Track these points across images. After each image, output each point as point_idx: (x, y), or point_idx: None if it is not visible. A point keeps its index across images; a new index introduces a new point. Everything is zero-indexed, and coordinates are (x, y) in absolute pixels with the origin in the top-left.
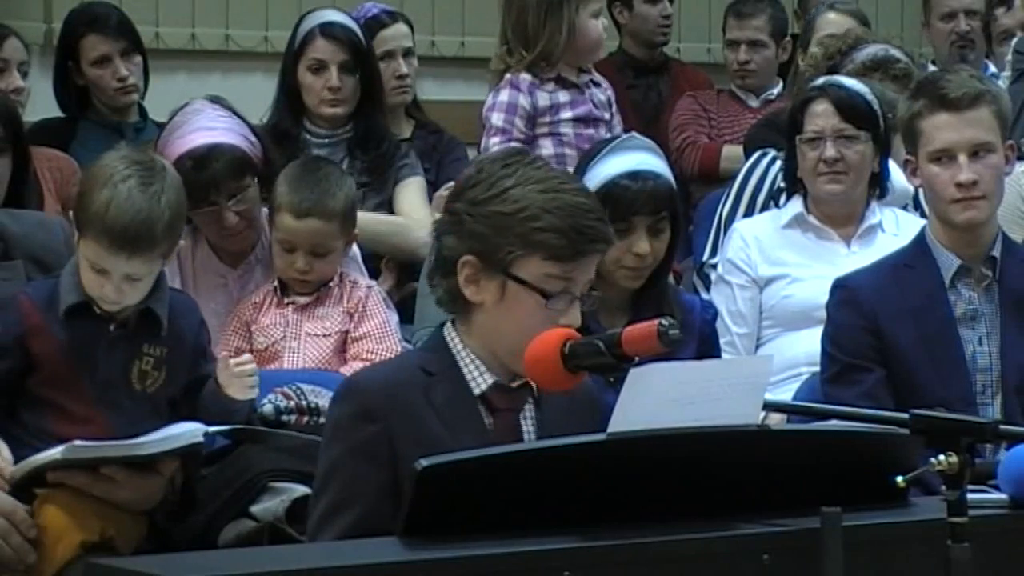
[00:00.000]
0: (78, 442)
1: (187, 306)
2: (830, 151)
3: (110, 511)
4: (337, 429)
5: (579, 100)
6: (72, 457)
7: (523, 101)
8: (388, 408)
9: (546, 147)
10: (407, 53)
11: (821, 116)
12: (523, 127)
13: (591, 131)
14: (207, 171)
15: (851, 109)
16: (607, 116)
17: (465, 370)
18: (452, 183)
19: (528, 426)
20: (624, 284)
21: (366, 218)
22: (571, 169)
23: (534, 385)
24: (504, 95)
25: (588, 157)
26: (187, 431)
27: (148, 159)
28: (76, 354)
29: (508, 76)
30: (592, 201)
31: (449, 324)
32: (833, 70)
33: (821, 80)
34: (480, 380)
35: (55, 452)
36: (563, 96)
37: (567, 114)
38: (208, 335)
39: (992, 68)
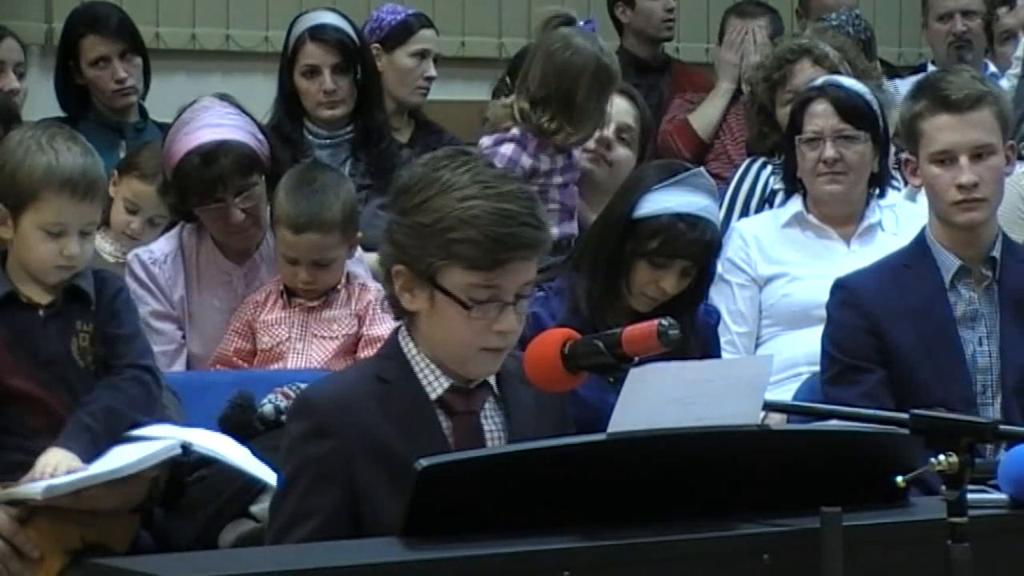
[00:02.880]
0: (56, 481)
1: (108, 279)
2: (829, 151)
3: (87, 516)
4: (292, 445)
5: (569, 165)
6: (53, 495)
7: (525, 161)
8: (341, 423)
9: None
10: (435, 58)
11: (820, 116)
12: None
13: (573, 188)
14: (214, 167)
15: (851, 109)
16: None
17: (420, 375)
18: None
19: (491, 426)
20: (636, 307)
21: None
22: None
23: (494, 384)
24: (507, 149)
25: (650, 179)
26: (163, 447)
27: (54, 124)
28: (16, 343)
29: (515, 131)
30: (518, 204)
31: (403, 328)
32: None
33: (820, 80)
34: (436, 384)
35: (36, 491)
36: (560, 161)
37: (558, 179)
38: (128, 300)
39: (992, 68)
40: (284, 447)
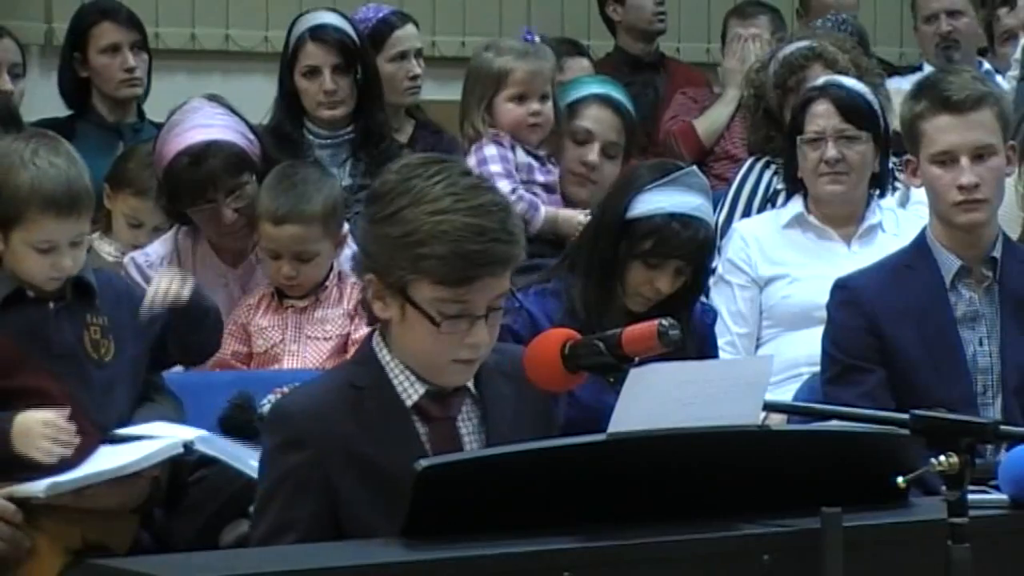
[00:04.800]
0: (59, 479)
1: (110, 278)
2: (831, 151)
3: (87, 515)
4: (268, 457)
5: (545, 170)
6: (55, 493)
7: (509, 155)
8: (315, 433)
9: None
10: (418, 53)
11: (822, 116)
12: (516, 174)
13: (556, 196)
14: (204, 168)
15: (852, 110)
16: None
17: (395, 381)
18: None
19: (468, 428)
20: (631, 307)
21: None
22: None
23: (472, 388)
24: (492, 149)
25: (643, 179)
26: (166, 446)
27: (37, 132)
28: (26, 339)
29: (485, 135)
30: (490, 219)
31: (377, 334)
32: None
33: (822, 80)
34: (411, 390)
35: (38, 490)
36: (533, 161)
37: (540, 178)
38: (137, 296)
39: (987, 66)
40: (262, 458)
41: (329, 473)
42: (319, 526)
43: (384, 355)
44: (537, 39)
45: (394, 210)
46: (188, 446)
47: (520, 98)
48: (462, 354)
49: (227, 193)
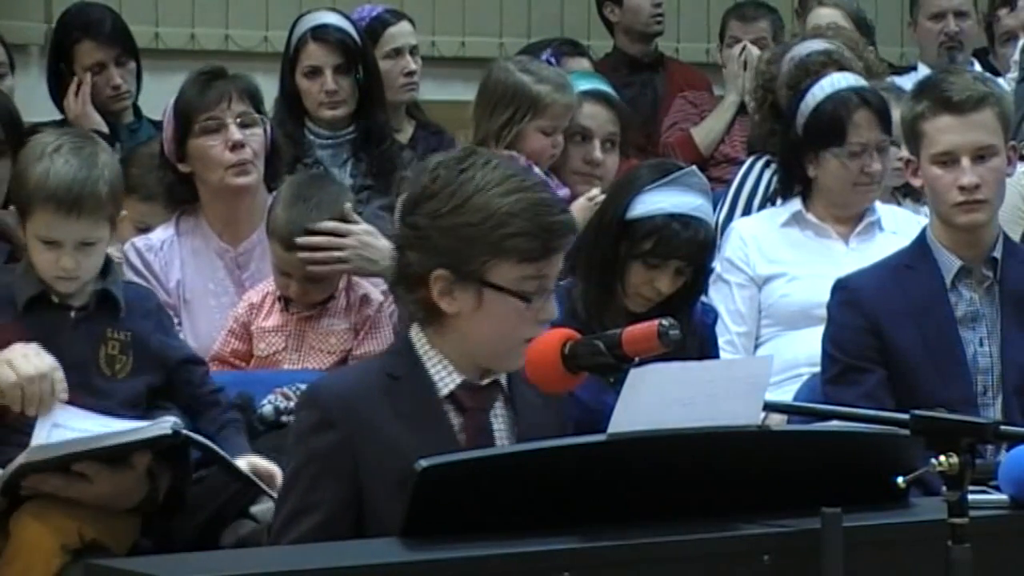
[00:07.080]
0: (43, 442)
1: (142, 294)
2: (876, 165)
3: (86, 512)
4: (299, 437)
5: (557, 183)
6: (36, 459)
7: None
8: (348, 416)
9: None
10: (413, 50)
11: (866, 128)
12: None
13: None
14: (218, 85)
15: (887, 119)
16: None
17: (432, 371)
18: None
19: (499, 424)
20: (632, 308)
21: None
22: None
23: (503, 382)
24: None
25: (643, 179)
26: (152, 425)
27: (75, 130)
28: (43, 344)
29: (505, 153)
30: (550, 194)
31: (416, 326)
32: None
33: (852, 83)
34: (448, 380)
35: (19, 459)
36: (547, 177)
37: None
38: (168, 318)
39: (977, 67)
40: (292, 439)
41: (357, 457)
42: (343, 510)
43: (423, 347)
44: (554, 62)
45: (460, 201)
46: (176, 430)
47: (550, 130)
48: (534, 331)
49: (236, 117)
